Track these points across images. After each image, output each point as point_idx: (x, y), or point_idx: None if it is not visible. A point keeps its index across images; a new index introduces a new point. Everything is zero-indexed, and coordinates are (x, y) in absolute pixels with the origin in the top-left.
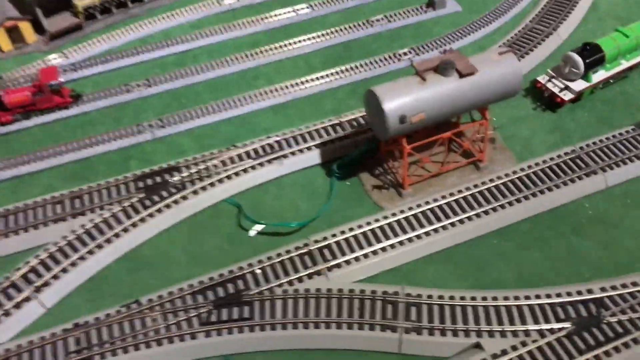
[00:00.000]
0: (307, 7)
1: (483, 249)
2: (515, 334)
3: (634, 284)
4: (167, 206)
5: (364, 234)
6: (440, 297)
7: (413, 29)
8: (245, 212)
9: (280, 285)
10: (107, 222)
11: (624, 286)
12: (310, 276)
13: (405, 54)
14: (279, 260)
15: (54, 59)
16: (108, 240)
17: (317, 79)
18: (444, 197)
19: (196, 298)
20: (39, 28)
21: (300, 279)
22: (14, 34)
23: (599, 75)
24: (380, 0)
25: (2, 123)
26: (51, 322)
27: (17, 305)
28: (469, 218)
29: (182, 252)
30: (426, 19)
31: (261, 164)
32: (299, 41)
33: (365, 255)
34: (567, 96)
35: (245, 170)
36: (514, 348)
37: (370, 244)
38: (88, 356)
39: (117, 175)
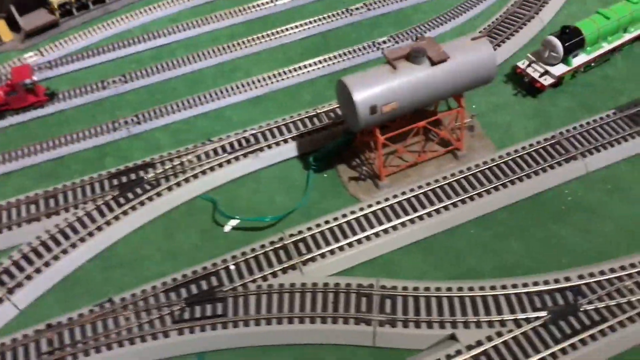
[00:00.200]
0: None
1: (461, 238)
2: (491, 324)
3: (612, 271)
4: (142, 203)
5: (340, 226)
6: (416, 288)
7: (393, 16)
8: (220, 207)
9: (254, 281)
10: (82, 221)
11: (601, 273)
12: (284, 271)
13: (384, 42)
14: (253, 255)
15: (30, 57)
16: (82, 240)
17: (295, 70)
18: (420, 187)
19: (169, 296)
20: (14, 26)
21: (274, 274)
22: None
23: (579, 59)
24: None
25: None
26: (24, 323)
27: None
28: (446, 208)
29: (156, 250)
30: (406, 6)
31: (237, 158)
32: (278, 32)
33: (341, 248)
34: (547, 81)
35: (220, 165)
36: (489, 338)
37: (345, 237)
38: (60, 357)
39: (92, 173)
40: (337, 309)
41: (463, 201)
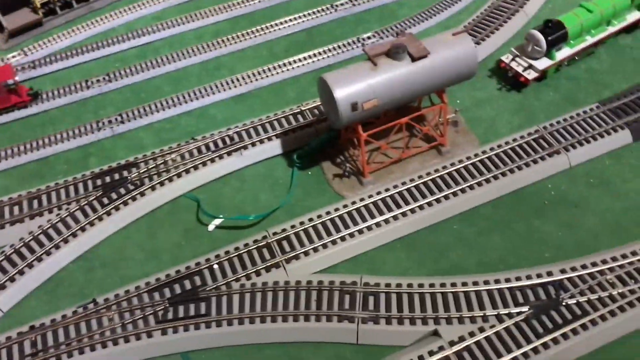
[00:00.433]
0: None
1: (444, 234)
2: (473, 320)
3: (594, 264)
4: (125, 204)
5: (323, 224)
6: (399, 285)
7: (378, 12)
8: (204, 206)
9: (237, 280)
10: (65, 222)
11: (583, 267)
12: (268, 269)
13: (369, 37)
14: (236, 254)
15: (14, 57)
16: (65, 241)
17: (280, 66)
18: (404, 184)
19: (152, 296)
20: None
21: (258, 273)
22: None
23: (563, 53)
24: None
25: None
26: (8, 325)
27: None
28: (429, 204)
29: (139, 250)
30: (391, 1)
31: (221, 157)
32: (262, 28)
33: (325, 246)
34: (531, 75)
35: (204, 164)
36: (472, 334)
37: (329, 234)
38: (44, 358)
39: (75, 174)
40: (320, 306)
41: (446, 197)
